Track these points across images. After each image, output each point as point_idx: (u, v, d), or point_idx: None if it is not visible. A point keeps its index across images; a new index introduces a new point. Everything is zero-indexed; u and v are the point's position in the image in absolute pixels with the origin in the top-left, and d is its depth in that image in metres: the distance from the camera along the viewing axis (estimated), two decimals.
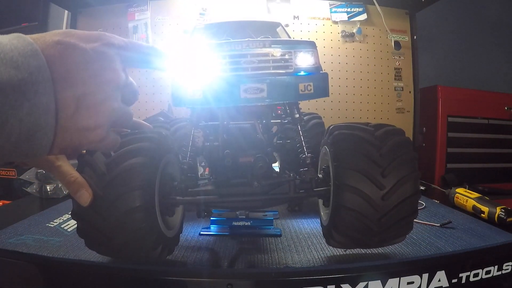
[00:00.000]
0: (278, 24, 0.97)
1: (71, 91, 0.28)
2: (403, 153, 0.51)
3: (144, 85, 1.33)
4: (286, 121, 0.76)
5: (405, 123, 1.40)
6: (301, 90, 0.55)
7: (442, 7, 1.58)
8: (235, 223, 0.72)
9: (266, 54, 0.55)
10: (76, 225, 0.50)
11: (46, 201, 0.97)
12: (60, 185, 1.01)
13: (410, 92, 1.41)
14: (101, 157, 0.48)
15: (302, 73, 0.57)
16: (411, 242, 0.64)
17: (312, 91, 0.56)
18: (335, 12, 1.37)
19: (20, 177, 1.05)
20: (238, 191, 0.57)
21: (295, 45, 0.58)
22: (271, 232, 0.70)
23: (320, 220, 0.62)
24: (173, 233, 0.57)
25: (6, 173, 1.29)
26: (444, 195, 0.96)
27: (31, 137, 0.26)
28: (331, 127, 0.57)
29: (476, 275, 0.52)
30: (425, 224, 0.74)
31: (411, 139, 1.40)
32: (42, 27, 1.68)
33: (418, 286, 0.49)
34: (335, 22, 1.38)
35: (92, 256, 0.55)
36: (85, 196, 0.44)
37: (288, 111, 0.70)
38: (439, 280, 0.49)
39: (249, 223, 0.72)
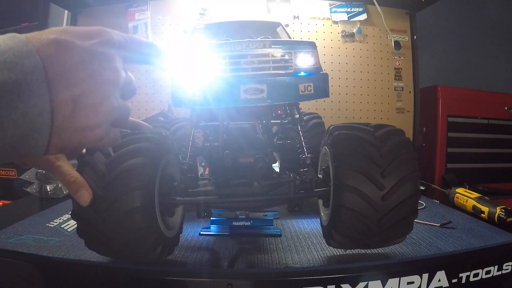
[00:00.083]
0: (278, 24, 0.96)
1: (67, 91, 0.27)
2: (403, 153, 0.51)
3: (144, 85, 1.33)
4: (286, 121, 0.76)
5: (405, 123, 1.40)
6: (301, 90, 0.55)
7: (442, 7, 1.58)
8: (235, 223, 0.72)
9: (266, 55, 0.55)
10: (76, 225, 0.50)
11: (46, 201, 0.97)
12: (60, 185, 1.00)
13: (410, 92, 1.41)
14: (101, 157, 0.48)
15: (302, 73, 0.56)
16: (411, 242, 0.63)
17: (312, 91, 0.56)
18: (335, 12, 1.37)
19: (20, 177, 1.05)
20: (238, 191, 0.57)
21: (295, 45, 0.58)
22: (271, 232, 0.70)
23: (320, 221, 0.62)
24: (173, 233, 0.57)
25: (6, 173, 1.29)
26: (444, 195, 0.96)
27: (27, 137, 0.26)
28: (331, 127, 0.57)
29: (476, 275, 0.52)
30: (425, 224, 0.74)
31: (411, 139, 1.40)
32: (42, 27, 1.65)
33: (418, 286, 0.49)
34: (335, 22, 1.37)
35: (92, 256, 0.55)
36: (85, 196, 0.44)
37: (288, 111, 0.70)
38: (439, 280, 0.49)
39: (249, 223, 0.72)
